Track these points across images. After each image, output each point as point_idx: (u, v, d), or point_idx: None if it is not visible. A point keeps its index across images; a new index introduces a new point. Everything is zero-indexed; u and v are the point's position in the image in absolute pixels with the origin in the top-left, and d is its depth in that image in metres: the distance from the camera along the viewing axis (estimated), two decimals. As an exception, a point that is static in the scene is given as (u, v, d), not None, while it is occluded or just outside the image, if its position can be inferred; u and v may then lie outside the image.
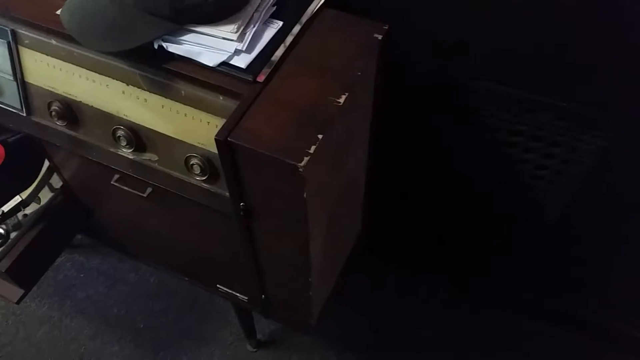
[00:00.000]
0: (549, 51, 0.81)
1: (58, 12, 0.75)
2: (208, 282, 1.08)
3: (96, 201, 1.00)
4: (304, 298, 0.90)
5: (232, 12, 0.70)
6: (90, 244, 1.48)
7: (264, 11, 0.73)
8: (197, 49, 0.68)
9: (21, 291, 0.99)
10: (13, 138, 1.03)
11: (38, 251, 0.98)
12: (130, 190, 0.83)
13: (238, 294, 1.05)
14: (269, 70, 0.69)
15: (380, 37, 0.74)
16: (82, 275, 1.42)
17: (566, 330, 1.27)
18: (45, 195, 1.00)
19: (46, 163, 0.99)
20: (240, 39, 0.69)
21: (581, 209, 0.98)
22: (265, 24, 0.73)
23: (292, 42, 0.72)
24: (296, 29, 0.73)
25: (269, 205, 0.71)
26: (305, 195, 0.64)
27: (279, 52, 0.70)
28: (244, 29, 0.70)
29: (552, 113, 0.88)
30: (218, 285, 1.06)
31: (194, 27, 0.70)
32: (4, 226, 0.96)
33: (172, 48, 0.69)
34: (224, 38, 0.69)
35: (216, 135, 0.63)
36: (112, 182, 0.84)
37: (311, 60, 0.71)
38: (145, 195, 0.83)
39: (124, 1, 0.68)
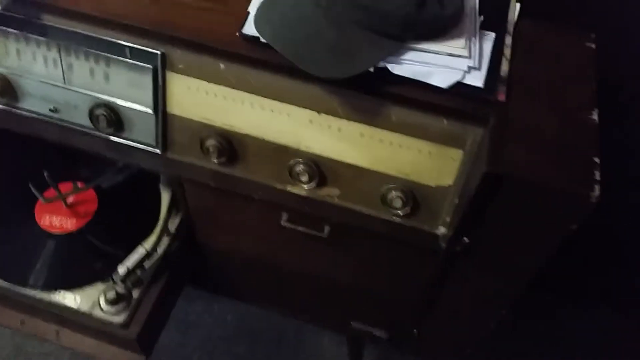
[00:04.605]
0: None
1: (246, 30, 0.63)
2: (339, 320, 0.98)
3: (227, 243, 0.87)
4: (481, 331, 0.83)
5: (453, 25, 0.63)
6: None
7: (477, 22, 0.65)
8: (426, 69, 0.60)
9: (143, 358, 0.85)
10: (109, 183, 0.89)
11: (160, 310, 0.85)
12: (305, 230, 0.73)
13: (374, 330, 0.97)
14: (505, 88, 0.62)
15: (593, 45, 0.68)
16: (149, 322, 1.27)
17: None
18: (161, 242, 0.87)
19: (164, 206, 0.86)
20: (469, 54, 0.61)
21: None
22: (479, 35, 0.65)
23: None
24: (508, 40, 0.67)
25: (505, 239, 0.64)
26: (574, 227, 0.58)
27: (505, 67, 0.63)
28: (469, 42, 0.62)
29: None
30: (352, 323, 0.97)
31: (416, 44, 0.61)
32: (122, 284, 0.81)
33: (397, 70, 0.59)
34: (449, 54, 0.61)
35: (487, 168, 0.54)
36: (282, 223, 0.73)
37: (535, 74, 0.64)
38: (325, 235, 0.73)
39: (342, 19, 0.58)
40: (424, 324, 0.88)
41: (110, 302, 0.79)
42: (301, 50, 0.58)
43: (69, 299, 0.80)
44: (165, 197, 0.86)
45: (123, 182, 0.90)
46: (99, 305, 0.79)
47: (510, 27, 0.68)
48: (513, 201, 0.57)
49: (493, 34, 0.66)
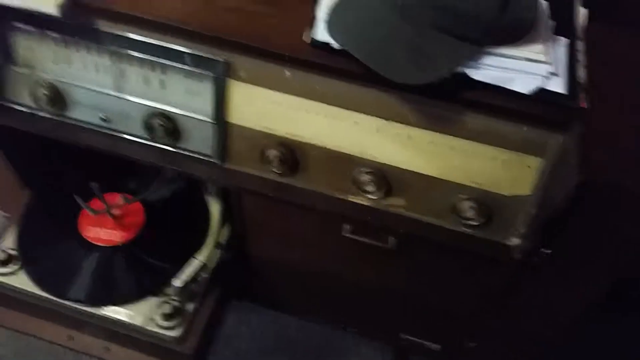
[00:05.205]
0: None
1: (317, 36, 0.61)
2: (389, 331, 0.96)
3: (280, 253, 0.85)
4: (542, 343, 0.80)
5: (530, 30, 0.61)
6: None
7: (550, 27, 0.63)
8: (507, 74, 0.58)
9: (194, 373, 0.83)
10: (154, 195, 0.87)
11: (214, 323, 0.83)
12: (369, 242, 0.71)
13: (426, 342, 0.94)
14: (585, 94, 0.60)
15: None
16: (185, 334, 1.24)
17: None
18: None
19: (215, 218, 0.84)
20: (549, 59, 0.59)
21: None
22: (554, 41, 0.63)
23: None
24: (580, 45, 0.65)
25: (589, 250, 0.61)
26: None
27: (582, 73, 0.61)
28: (547, 47, 0.60)
29: None
30: (401, 335, 0.94)
31: (493, 48, 0.59)
32: (176, 297, 0.79)
33: (477, 75, 0.57)
34: (528, 59, 0.59)
35: (581, 178, 0.52)
36: (344, 234, 0.71)
37: (611, 79, 0.62)
38: (390, 246, 0.71)
39: (420, 21, 0.56)
40: (481, 336, 0.86)
41: (167, 317, 0.77)
42: (378, 55, 0.56)
43: (122, 313, 0.78)
44: (215, 208, 0.85)
45: (169, 195, 0.89)
46: (154, 319, 0.77)
47: (580, 33, 0.66)
48: (603, 211, 0.55)
49: (566, 39, 0.64)
